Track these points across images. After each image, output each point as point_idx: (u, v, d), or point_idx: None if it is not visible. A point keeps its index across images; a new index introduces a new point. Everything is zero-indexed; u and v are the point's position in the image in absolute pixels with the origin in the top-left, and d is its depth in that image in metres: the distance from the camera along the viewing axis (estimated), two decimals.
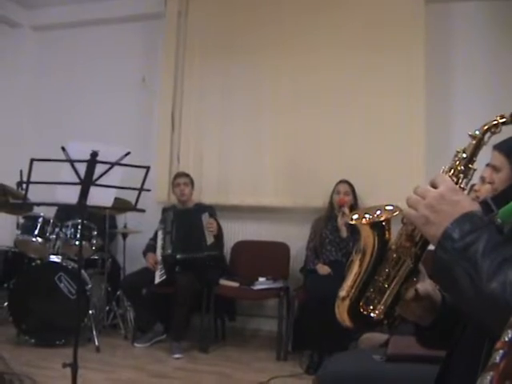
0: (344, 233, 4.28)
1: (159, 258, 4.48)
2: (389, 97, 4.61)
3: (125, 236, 4.87)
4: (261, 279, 4.43)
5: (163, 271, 4.36)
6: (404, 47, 4.58)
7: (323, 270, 4.22)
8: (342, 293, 1.12)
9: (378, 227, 1.09)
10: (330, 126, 4.76)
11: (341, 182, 4.46)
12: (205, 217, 4.42)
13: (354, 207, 4.36)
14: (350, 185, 4.44)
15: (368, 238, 1.09)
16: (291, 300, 4.38)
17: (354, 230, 3.94)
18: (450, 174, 1.05)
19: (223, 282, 4.45)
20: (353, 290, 1.11)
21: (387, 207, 1.11)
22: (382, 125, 4.62)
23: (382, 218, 1.09)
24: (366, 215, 1.10)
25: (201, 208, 4.64)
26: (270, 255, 4.74)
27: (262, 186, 4.94)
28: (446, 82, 4.67)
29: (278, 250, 4.75)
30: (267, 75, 4.97)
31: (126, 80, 5.52)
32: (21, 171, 4.40)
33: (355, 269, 1.11)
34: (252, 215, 5.02)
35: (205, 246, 4.34)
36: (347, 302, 1.11)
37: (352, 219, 1.11)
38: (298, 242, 4.68)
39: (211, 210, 4.64)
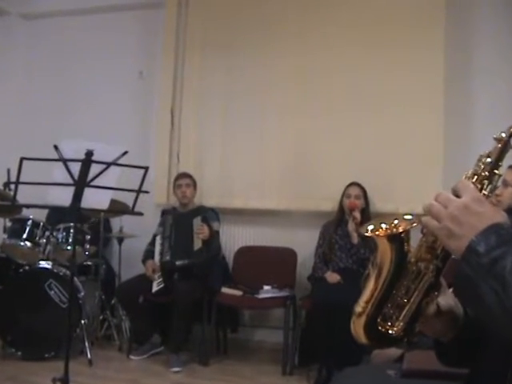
0: (355, 238, 4.28)
1: (157, 264, 4.49)
2: (404, 98, 4.58)
3: (120, 240, 4.88)
4: (266, 287, 4.43)
5: (161, 279, 4.36)
6: (422, 47, 4.54)
7: (332, 277, 4.22)
8: (358, 308, 1.12)
9: (396, 240, 1.08)
10: (341, 126, 4.74)
11: (351, 184, 4.46)
12: (196, 221, 4.43)
13: (365, 211, 4.37)
14: (362, 188, 4.44)
15: (385, 250, 1.08)
16: (298, 310, 4.38)
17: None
18: (474, 180, 1.02)
19: (225, 290, 4.45)
20: (369, 306, 1.11)
21: (406, 217, 1.10)
22: (396, 125, 4.60)
23: (400, 230, 1.08)
24: (383, 225, 1.10)
25: (202, 211, 4.64)
26: (276, 262, 4.73)
27: (267, 188, 4.93)
28: (465, 83, 4.62)
29: (285, 257, 4.75)
30: (272, 72, 4.95)
31: (122, 73, 5.51)
32: (8, 170, 4.42)
33: (372, 283, 1.11)
34: (256, 219, 5.02)
35: (190, 252, 4.35)
36: (363, 318, 1.11)
37: (367, 230, 1.10)
38: (306, 248, 4.67)
39: (213, 213, 4.64)
